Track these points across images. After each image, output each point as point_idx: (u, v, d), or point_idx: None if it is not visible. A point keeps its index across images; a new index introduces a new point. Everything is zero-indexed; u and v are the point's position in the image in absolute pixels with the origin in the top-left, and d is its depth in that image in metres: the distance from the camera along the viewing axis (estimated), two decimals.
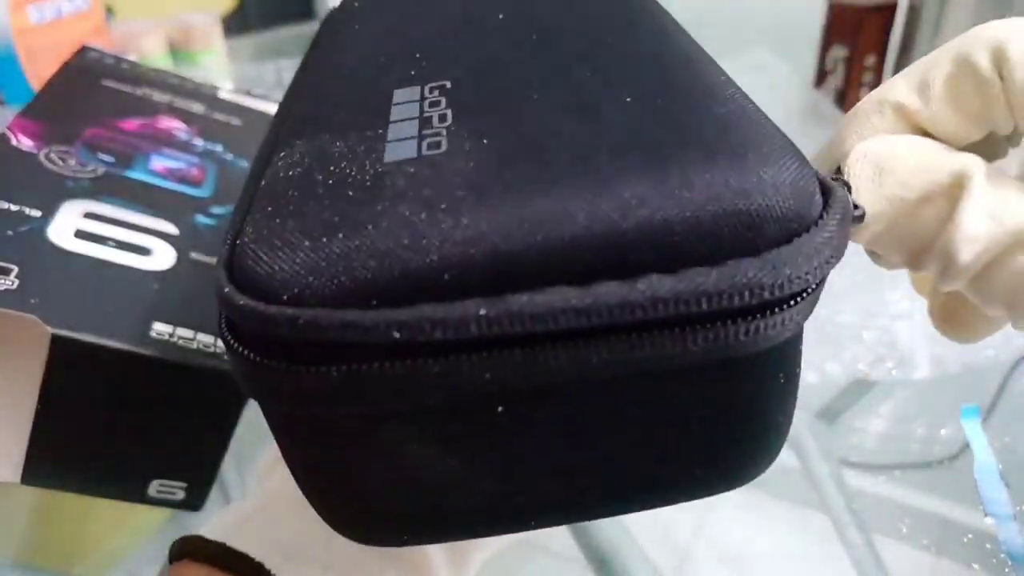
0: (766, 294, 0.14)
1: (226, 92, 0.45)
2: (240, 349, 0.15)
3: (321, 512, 0.18)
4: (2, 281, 0.24)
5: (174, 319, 0.26)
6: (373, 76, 0.20)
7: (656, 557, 0.51)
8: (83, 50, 0.43)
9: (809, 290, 0.15)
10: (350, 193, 0.15)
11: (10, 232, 0.27)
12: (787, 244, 0.14)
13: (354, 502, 0.18)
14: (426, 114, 0.18)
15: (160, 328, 0.26)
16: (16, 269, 0.25)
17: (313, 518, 0.19)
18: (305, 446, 0.17)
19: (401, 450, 0.16)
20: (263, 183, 0.17)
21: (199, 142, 0.39)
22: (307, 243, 0.14)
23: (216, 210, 0.34)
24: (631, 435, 0.17)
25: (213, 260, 0.30)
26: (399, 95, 0.19)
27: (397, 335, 0.13)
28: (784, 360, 0.17)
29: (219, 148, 0.39)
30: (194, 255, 0.30)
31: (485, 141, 0.16)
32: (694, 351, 0.14)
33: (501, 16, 0.22)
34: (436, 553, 0.25)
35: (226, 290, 0.15)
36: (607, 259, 0.14)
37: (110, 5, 0.72)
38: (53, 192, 0.30)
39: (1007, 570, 0.36)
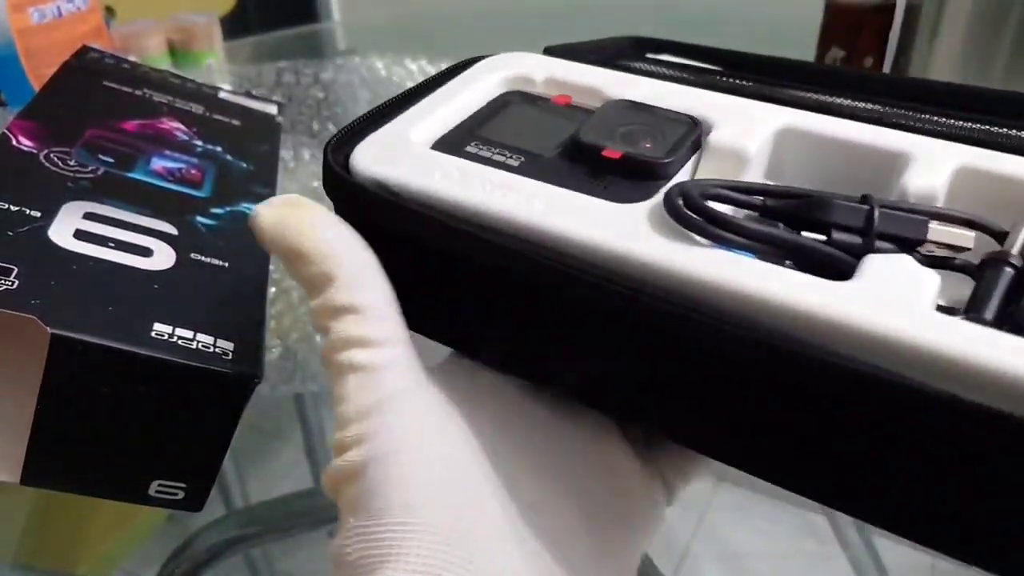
0: None
1: (226, 93, 0.45)
2: None
3: None
4: (2, 281, 0.25)
5: (174, 319, 0.26)
6: None
7: (656, 557, 0.51)
8: (83, 50, 0.43)
9: None
10: None
11: (10, 233, 0.27)
12: None
13: None
14: None
15: (160, 328, 0.26)
16: (16, 269, 0.25)
17: None
18: None
19: None
20: None
21: (199, 143, 0.39)
22: None
23: (216, 210, 0.34)
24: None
25: (213, 260, 0.30)
26: None
27: None
28: None
29: (219, 149, 0.39)
30: (194, 255, 0.30)
31: None
32: None
33: None
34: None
35: None
36: None
37: (110, 5, 0.72)
38: (53, 193, 0.30)
39: None
